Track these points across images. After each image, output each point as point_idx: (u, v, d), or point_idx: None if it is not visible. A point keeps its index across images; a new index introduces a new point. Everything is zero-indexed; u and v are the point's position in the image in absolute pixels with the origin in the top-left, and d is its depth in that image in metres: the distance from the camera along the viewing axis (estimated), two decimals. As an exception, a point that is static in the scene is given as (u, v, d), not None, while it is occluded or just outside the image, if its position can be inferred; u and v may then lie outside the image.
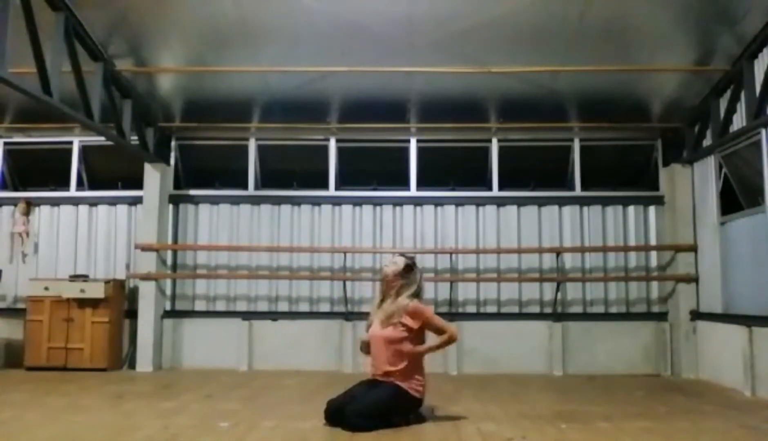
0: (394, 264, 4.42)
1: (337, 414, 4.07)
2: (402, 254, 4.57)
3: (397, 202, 7.57)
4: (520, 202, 7.53)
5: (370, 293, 7.15)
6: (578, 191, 7.51)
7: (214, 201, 7.66)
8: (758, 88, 5.49)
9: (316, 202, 7.61)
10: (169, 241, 7.51)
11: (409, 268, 4.40)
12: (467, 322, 7.21)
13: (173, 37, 6.05)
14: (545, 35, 5.78)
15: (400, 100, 6.95)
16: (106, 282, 7.06)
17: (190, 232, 7.64)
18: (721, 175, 6.55)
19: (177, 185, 7.73)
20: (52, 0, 5.09)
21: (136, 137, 6.87)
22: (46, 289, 7.06)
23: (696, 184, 7.05)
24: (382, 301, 4.44)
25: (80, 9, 5.45)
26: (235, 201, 7.64)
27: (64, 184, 7.78)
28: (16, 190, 7.97)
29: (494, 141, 7.56)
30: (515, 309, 7.37)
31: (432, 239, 7.53)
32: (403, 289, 4.33)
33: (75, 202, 7.74)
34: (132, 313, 7.32)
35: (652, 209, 7.46)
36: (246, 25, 5.70)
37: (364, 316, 5.64)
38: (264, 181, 7.79)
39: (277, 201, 7.66)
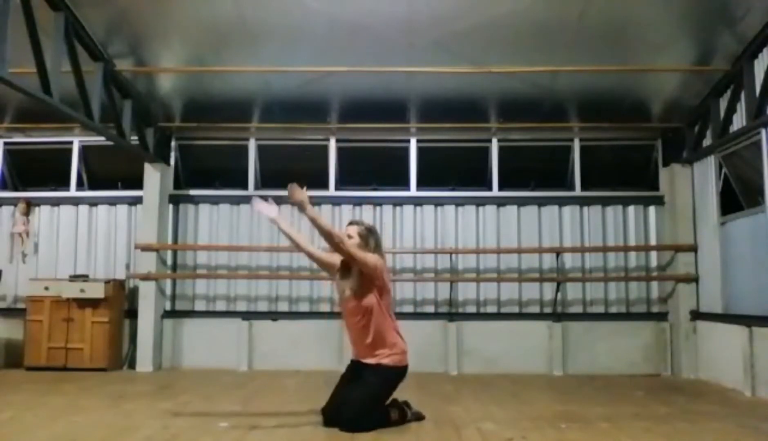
0: (353, 230, 4.34)
1: (334, 422, 4.07)
2: (351, 223, 4.46)
3: (397, 202, 7.56)
4: (520, 202, 7.53)
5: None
6: (578, 191, 7.51)
7: (214, 201, 7.66)
8: (758, 88, 5.48)
9: (316, 202, 7.45)
10: (169, 241, 7.51)
11: (362, 235, 4.31)
12: (467, 322, 7.23)
13: (173, 37, 6.05)
14: (545, 35, 5.78)
15: (400, 100, 6.95)
16: (106, 282, 7.05)
17: (190, 232, 7.63)
18: (721, 175, 6.55)
19: (177, 185, 7.72)
20: (52, 0, 5.09)
21: (136, 137, 6.87)
22: (46, 289, 7.05)
23: (696, 184, 7.05)
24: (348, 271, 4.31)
25: (80, 9, 5.45)
26: (235, 201, 7.62)
27: (64, 184, 7.78)
28: (16, 190, 7.96)
29: (494, 141, 7.56)
30: (515, 309, 7.37)
31: (432, 239, 7.52)
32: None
33: (75, 202, 7.73)
34: (132, 313, 7.32)
35: (652, 209, 7.46)
36: (246, 25, 5.70)
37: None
38: (264, 181, 7.78)
39: (277, 201, 7.57)
